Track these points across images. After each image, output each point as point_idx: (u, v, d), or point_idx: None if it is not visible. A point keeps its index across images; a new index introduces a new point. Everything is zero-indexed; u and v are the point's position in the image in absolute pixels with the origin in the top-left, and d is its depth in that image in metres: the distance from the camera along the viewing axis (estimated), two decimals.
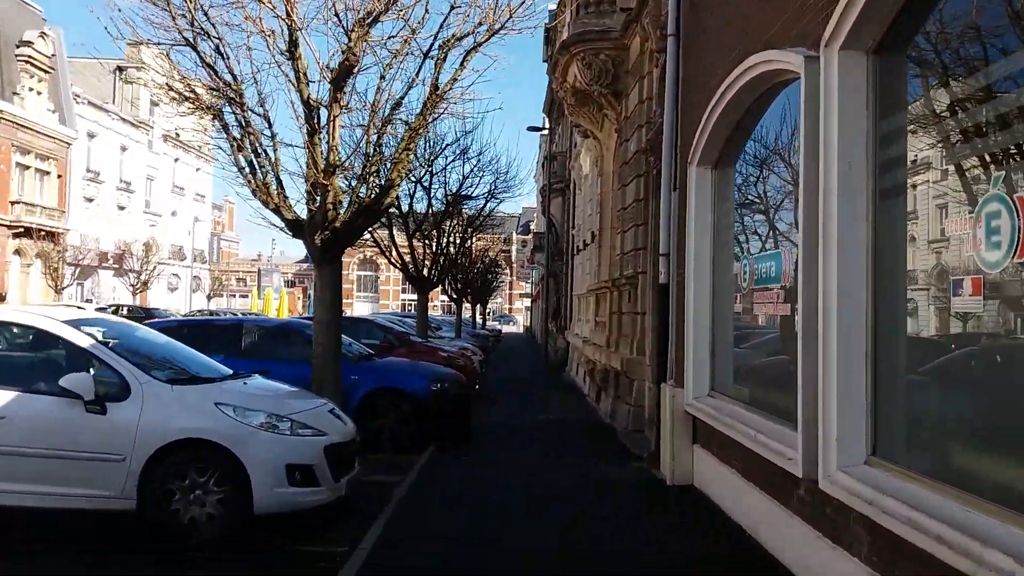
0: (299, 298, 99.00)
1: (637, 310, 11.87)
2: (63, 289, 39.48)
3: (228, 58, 8.32)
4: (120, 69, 53.22)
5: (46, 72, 41.90)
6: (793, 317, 5.81)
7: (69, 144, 44.09)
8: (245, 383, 7.02)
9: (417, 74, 8.45)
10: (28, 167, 41.06)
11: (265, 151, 8.97)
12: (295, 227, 8.83)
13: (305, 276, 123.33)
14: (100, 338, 6.73)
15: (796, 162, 6.07)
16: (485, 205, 18.84)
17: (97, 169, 48.32)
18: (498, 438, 11.29)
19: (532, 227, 51.54)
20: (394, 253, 17.94)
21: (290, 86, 8.37)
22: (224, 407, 6.22)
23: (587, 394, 16.45)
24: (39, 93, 41.72)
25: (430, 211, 17.78)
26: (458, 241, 19.40)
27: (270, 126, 8.81)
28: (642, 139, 11.51)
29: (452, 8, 8.25)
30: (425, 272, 18.41)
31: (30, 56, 40.52)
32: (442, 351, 15.92)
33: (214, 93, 8.44)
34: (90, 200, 47.79)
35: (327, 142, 8.30)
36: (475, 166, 17.93)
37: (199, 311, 51.72)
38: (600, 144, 16.08)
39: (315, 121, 8.23)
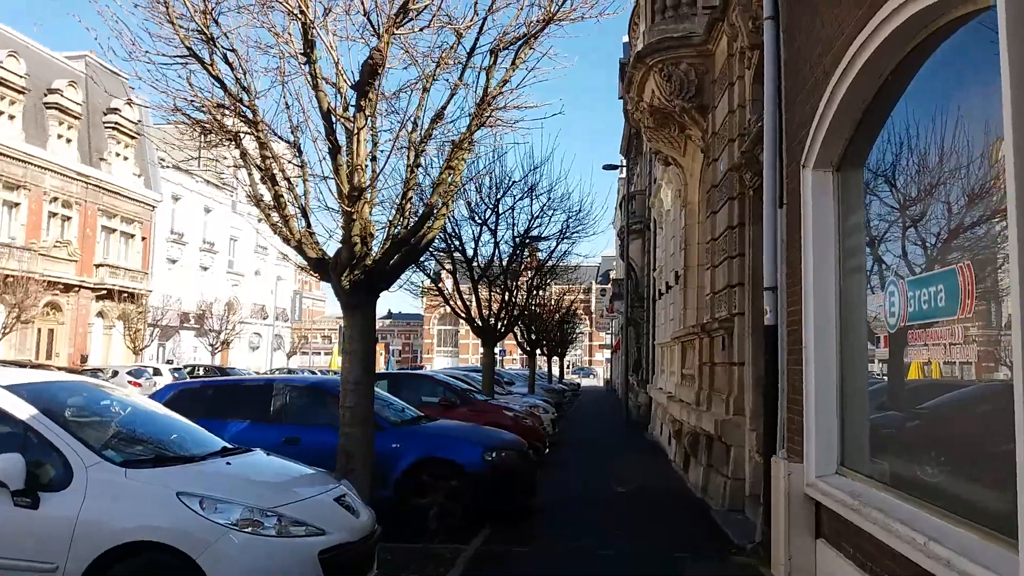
0: (381, 354, 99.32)
1: (733, 360, 9.92)
2: (142, 350, 39.68)
3: (237, 67, 7.06)
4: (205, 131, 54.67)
5: (132, 138, 43.04)
6: (982, 364, 3.91)
7: (154, 207, 45.02)
8: (230, 463, 5.47)
9: (461, 77, 6.97)
10: (114, 230, 41.94)
11: (288, 180, 7.65)
12: (319, 266, 7.40)
13: (388, 332, 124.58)
14: (55, 407, 5.33)
15: (964, 139, 4.25)
16: (557, 246, 17.27)
17: (181, 231, 49.22)
18: (567, 516, 9.42)
19: (612, 275, 49.64)
20: (458, 301, 16.45)
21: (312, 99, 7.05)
22: (188, 498, 4.68)
23: (672, 459, 14.38)
24: (125, 159, 42.85)
25: (496, 254, 16.31)
26: (528, 287, 17.79)
27: (299, 152, 7.52)
28: (734, 155, 9.73)
29: None
30: (492, 321, 16.82)
31: (117, 123, 41.70)
32: (508, 410, 14.22)
33: (223, 110, 7.16)
34: (173, 261, 48.57)
35: (350, 161, 6.87)
36: (545, 204, 16.42)
37: (278, 370, 51.62)
38: (683, 171, 14.32)
39: (336, 136, 6.83)
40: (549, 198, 16.28)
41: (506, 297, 16.95)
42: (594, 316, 72.99)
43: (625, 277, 28.44)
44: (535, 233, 16.52)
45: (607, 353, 72.41)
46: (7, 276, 30.69)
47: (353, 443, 7.22)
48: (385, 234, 7.30)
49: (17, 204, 34.94)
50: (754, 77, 9.44)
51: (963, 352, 4.07)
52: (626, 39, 24.93)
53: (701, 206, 13.80)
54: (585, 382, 74.11)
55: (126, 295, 40.81)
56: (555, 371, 43.66)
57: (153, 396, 9.51)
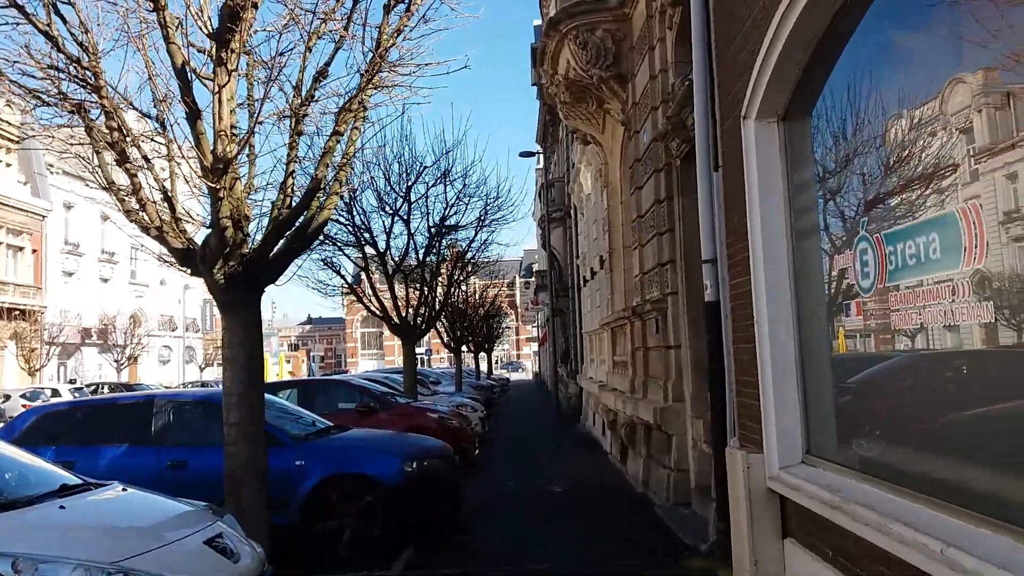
0: (303, 360, 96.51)
1: (669, 343, 9.20)
2: (38, 370, 36.88)
3: (73, 22, 5.87)
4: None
5: (14, 143, 39.92)
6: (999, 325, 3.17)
7: (44, 216, 42.00)
8: (64, 506, 4.33)
9: (347, 27, 5.92)
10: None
11: (147, 159, 6.51)
12: (187, 259, 6.29)
13: (308, 338, 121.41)
14: None
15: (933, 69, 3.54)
16: (476, 235, 16.30)
17: (76, 241, 46.16)
18: (501, 525, 8.52)
19: (535, 267, 49.03)
20: (373, 300, 15.33)
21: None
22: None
23: (609, 451, 13.67)
24: (8, 165, 39.77)
25: (411, 245, 15.23)
26: (448, 281, 16.79)
27: (163, 127, 6.37)
28: (658, 123, 8.99)
29: None
30: (410, 319, 15.76)
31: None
32: (432, 412, 13.24)
33: (58, 74, 5.95)
34: (70, 274, 45.53)
35: (215, 127, 5.77)
36: (460, 191, 15.42)
37: (190, 383, 49.06)
38: (603, 150, 13.59)
39: (193, 98, 5.72)
40: (464, 184, 15.31)
41: (424, 292, 15.90)
42: (519, 310, 72.45)
43: (548, 267, 27.75)
44: (451, 222, 15.54)
45: (535, 346, 72.04)
46: None
47: (240, 466, 6.14)
48: (268, 218, 6.23)
49: None
50: (676, 38, 8.71)
51: (972, 312, 3.32)
52: (537, 22, 24.15)
53: (623, 184, 13.10)
54: (514, 376, 73.50)
55: (17, 312, 37.82)
56: (484, 367, 42.72)
57: (10, 424, 8.14)
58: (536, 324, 58.53)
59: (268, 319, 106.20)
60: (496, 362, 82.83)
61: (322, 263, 15.09)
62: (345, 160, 6.67)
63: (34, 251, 41.35)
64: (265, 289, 6.53)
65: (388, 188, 14.58)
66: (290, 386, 13.91)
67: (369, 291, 15.25)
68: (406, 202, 14.88)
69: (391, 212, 14.96)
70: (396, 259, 15.24)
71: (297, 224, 6.30)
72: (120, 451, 7.73)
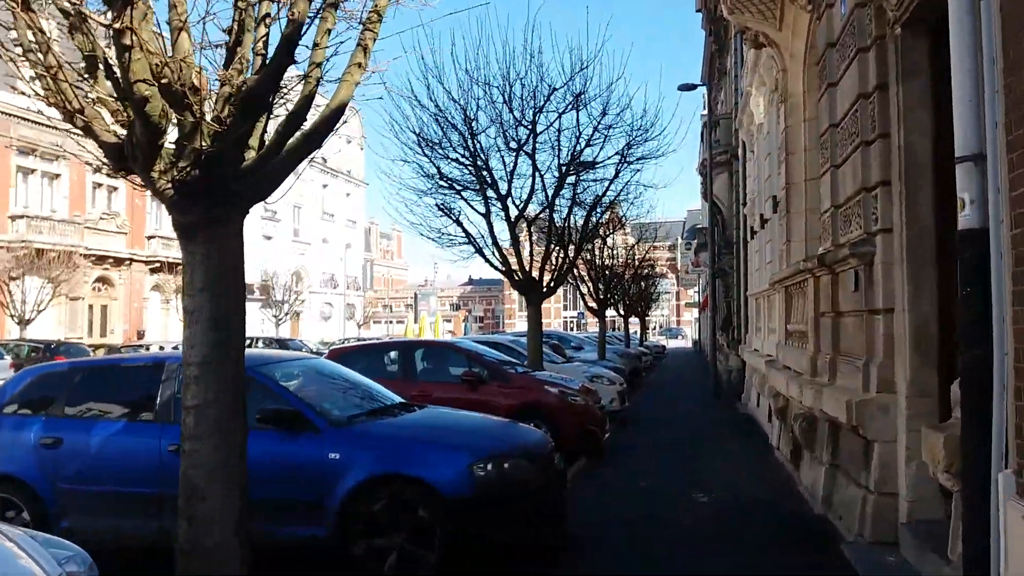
0: (464, 320, 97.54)
1: (874, 306, 6.26)
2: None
3: None
4: None
5: None
6: None
7: None
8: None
9: None
10: None
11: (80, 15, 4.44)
12: (116, 156, 4.20)
13: (469, 298, 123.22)
14: None
15: None
16: (616, 175, 13.54)
17: None
18: (613, 555, 6.03)
19: (698, 227, 45.26)
20: (492, 251, 13.08)
21: None
22: None
23: (775, 445, 10.75)
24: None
25: (535, 187, 12.75)
26: (582, 231, 14.19)
27: None
28: None
29: None
30: (535, 274, 13.38)
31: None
32: (553, 385, 10.87)
33: None
34: None
35: None
36: (598, 120, 12.68)
37: (347, 339, 49.63)
38: (779, 52, 10.48)
39: None
40: (603, 110, 12.53)
41: (551, 244, 13.41)
42: (679, 273, 68.47)
43: (710, 221, 24.43)
44: (586, 157, 12.88)
45: (695, 312, 68.06)
46: (44, 251, 29.04)
47: (199, 469, 4.04)
48: (231, 89, 3.98)
49: (57, 175, 33.41)
50: None
51: None
52: None
53: (808, 95, 9.99)
54: (673, 343, 70.04)
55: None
56: (635, 333, 39.95)
57: (3, 387, 6.58)
58: (697, 289, 54.67)
59: (430, 279, 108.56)
60: (654, 328, 79.41)
61: (436, 208, 12.97)
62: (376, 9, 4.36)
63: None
64: (246, 208, 4.35)
65: (510, 115, 12.18)
66: (391, 348, 11.99)
67: (489, 240, 12.99)
68: (531, 134, 12.42)
69: (515, 148, 12.56)
70: (518, 204, 12.84)
71: (261, 95, 4.04)
72: (116, 428, 5.94)
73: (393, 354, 11.46)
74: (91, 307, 35.06)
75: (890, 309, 6.08)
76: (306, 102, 4.26)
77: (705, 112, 30.35)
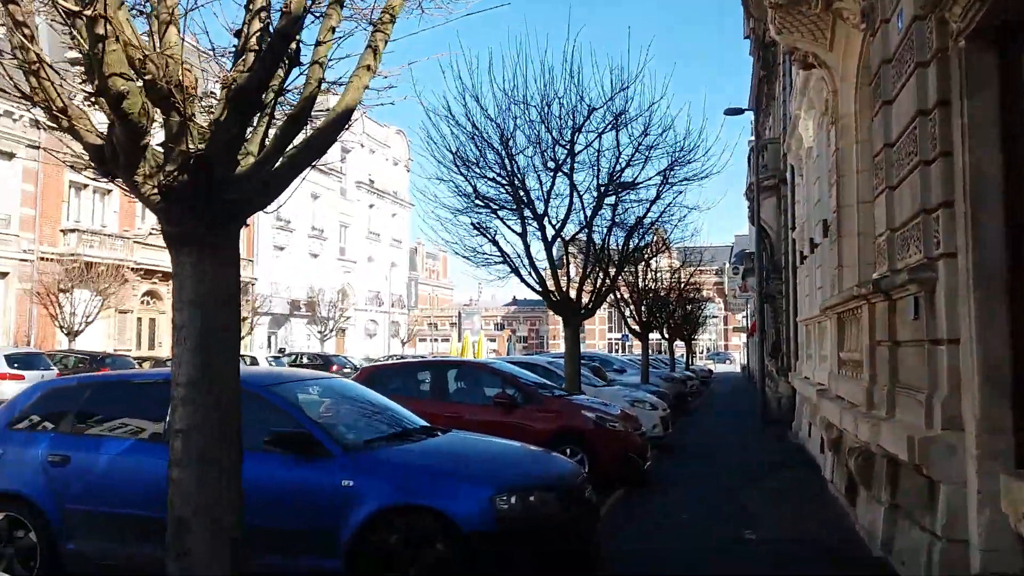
0: (508, 340, 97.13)
1: (938, 335, 5.75)
2: (242, 338, 38.27)
3: None
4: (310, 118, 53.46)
5: None
6: None
7: None
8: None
9: None
10: None
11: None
12: (99, 158, 3.96)
13: (513, 319, 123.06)
14: None
15: None
16: (658, 196, 13.09)
17: (287, 217, 48.02)
18: None
19: (746, 251, 44.33)
20: (529, 271, 12.73)
21: None
22: None
23: (829, 478, 10.15)
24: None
25: (573, 204, 12.35)
26: (622, 253, 13.72)
27: None
28: None
29: None
30: (572, 294, 13.00)
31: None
32: (590, 410, 10.47)
33: None
34: (280, 248, 47.49)
35: None
36: (639, 139, 12.29)
37: (391, 356, 49.63)
38: (830, 74, 10.00)
39: None
40: (645, 130, 12.13)
41: (589, 264, 13.00)
42: (727, 297, 67.28)
43: (757, 246, 23.79)
44: (626, 178, 12.49)
45: (743, 336, 66.71)
46: (93, 264, 29.59)
47: (184, 499, 3.74)
48: (222, 89, 3.73)
49: (109, 191, 34.10)
50: None
51: None
52: None
53: (860, 115, 9.51)
54: (720, 368, 68.66)
55: None
56: (681, 358, 39.11)
57: (12, 401, 6.42)
58: (744, 314, 53.54)
59: (474, 298, 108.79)
60: (702, 352, 78.02)
61: (472, 227, 12.70)
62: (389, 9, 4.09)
63: (247, 226, 42.93)
64: (242, 218, 4.09)
65: (547, 135, 11.87)
66: (424, 368, 11.72)
67: (526, 260, 12.66)
68: (570, 154, 12.08)
69: (552, 168, 12.24)
70: (555, 224, 12.48)
71: (258, 91, 3.77)
72: (124, 447, 5.72)
73: (426, 374, 11.17)
74: (140, 320, 35.63)
75: (955, 340, 5.57)
76: (307, 104, 4.00)
77: (752, 139, 29.78)
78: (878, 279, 6.99)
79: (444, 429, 6.50)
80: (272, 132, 4.11)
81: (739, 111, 20.36)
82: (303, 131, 4.97)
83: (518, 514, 5.11)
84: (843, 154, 9.78)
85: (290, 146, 4.09)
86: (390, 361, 23.18)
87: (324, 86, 4.14)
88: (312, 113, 4.24)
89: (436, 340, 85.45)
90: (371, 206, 60.18)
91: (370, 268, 59.43)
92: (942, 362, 5.71)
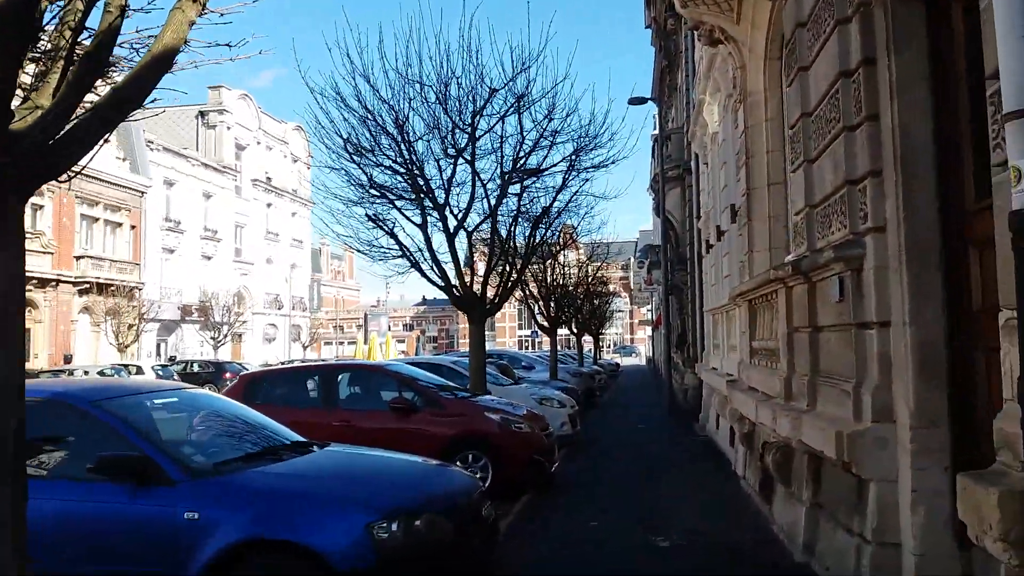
0: (417, 340, 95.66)
1: (866, 318, 5.26)
2: (127, 347, 35.84)
3: None
4: (201, 114, 51.01)
5: None
6: None
7: (143, 193, 41.21)
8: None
9: None
10: (96, 219, 38.19)
11: None
12: None
13: (423, 318, 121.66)
14: None
15: None
16: (564, 184, 12.45)
17: (177, 218, 45.45)
18: None
19: (650, 244, 44.61)
20: (431, 266, 11.89)
21: None
22: None
23: (741, 473, 9.73)
24: (106, 141, 38.11)
25: (476, 192, 11.56)
26: (527, 246, 13.05)
27: None
28: None
29: None
30: (476, 289, 12.22)
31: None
32: (494, 411, 9.72)
33: None
34: (170, 251, 44.89)
35: None
36: (543, 125, 11.58)
37: (291, 361, 47.63)
38: (737, 48, 9.57)
39: None
40: (549, 114, 11.44)
41: (494, 258, 12.24)
42: (632, 291, 68.09)
43: (663, 237, 23.62)
44: (530, 165, 11.79)
45: (649, 330, 67.62)
46: None
47: None
48: None
49: None
50: None
51: None
52: None
53: (770, 91, 9.14)
54: (627, 361, 69.41)
55: (114, 288, 36.88)
56: (589, 352, 38.96)
57: None
58: (650, 308, 54.14)
59: (381, 298, 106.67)
60: (608, 346, 78.69)
61: (366, 218, 11.74)
62: None
63: (132, 227, 40.62)
64: (24, 187, 3.14)
65: (446, 118, 11.03)
66: (312, 373, 10.71)
67: (427, 254, 11.81)
68: (471, 139, 11.29)
69: (453, 154, 11.41)
70: (457, 215, 11.67)
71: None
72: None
73: (314, 380, 10.16)
74: None
75: (885, 323, 5.07)
76: (106, 38, 3.11)
77: (655, 131, 29.75)
78: (797, 260, 6.49)
79: (321, 444, 5.60)
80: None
81: (642, 100, 19.96)
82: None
83: (401, 543, 4.28)
84: (753, 133, 9.36)
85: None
86: (271, 367, 21.75)
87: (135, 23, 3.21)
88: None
89: (343, 343, 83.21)
90: (269, 205, 57.85)
91: (269, 270, 57.12)
92: (871, 347, 5.20)
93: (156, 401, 5.26)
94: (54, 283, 34.52)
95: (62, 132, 3.14)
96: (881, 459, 5.02)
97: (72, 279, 35.50)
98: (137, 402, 5.01)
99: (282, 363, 44.99)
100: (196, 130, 50.82)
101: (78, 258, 36.15)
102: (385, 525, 4.27)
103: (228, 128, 51.81)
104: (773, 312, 7.83)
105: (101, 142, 3.36)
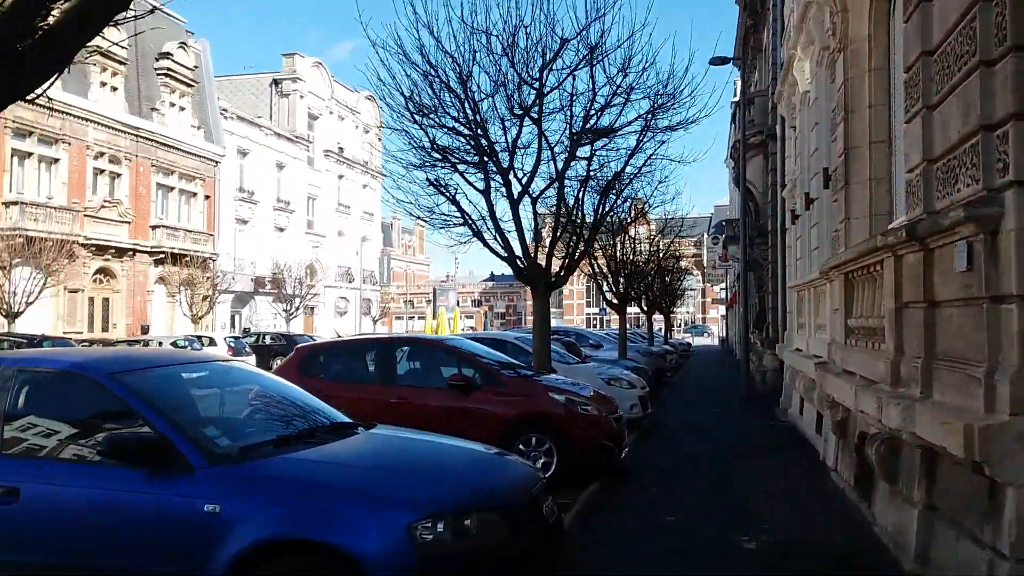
0: (485, 315, 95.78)
1: (1001, 290, 4.39)
2: (201, 318, 36.47)
3: None
4: (275, 82, 51.43)
5: (189, 86, 39.75)
6: None
7: (217, 162, 41.79)
8: None
9: None
10: (171, 188, 38.88)
11: None
12: None
13: (491, 294, 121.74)
14: None
15: None
16: (638, 147, 11.55)
17: (251, 188, 46.02)
18: None
19: (726, 220, 43.04)
20: (494, 235, 11.25)
21: None
22: None
23: (832, 465, 8.84)
24: (181, 109, 39.59)
25: (542, 155, 10.83)
26: (597, 214, 12.23)
27: None
28: None
29: None
30: (542, 261, 11.53)
31: (170, 69, 38.35)
32: (559, 391, 9.05)
33: None
34: (244, 222, 45.52)
35: None
36: (617, 77, 10.68)
37: (362, 334, 47.96)
38: None
39: None
40: (624, 65, 10.56)
41: (559, 222, 11.49)
42: (705, 269, 66.24)
43: (742, 209, 22.41)
44: (602, 123, 10.96)
45: (722, 309, 65.83)
46: (36, 239, 27.58)
47: None
48: None
49: (56, 160, 32.00)
50: None
51: None
52: None
53: (875, 36, 8.11)
54: (699, 341, 67.84)
55: (188, 259, 37.55)
56: (660, 331, 37.90)
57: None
58: (724, 285, 52.47)
59: (450, 274, 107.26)
60: (679, 325, 76.93)
61: (427, 182, 11.15)
62: None
63: (207, 197, 41.26)
64: None
65: (512, 72, 10.30)
66: (370, 346, 10.24)
67: (490, 223, 11.16)
68: (538, 96, 10.55)
69: (519, 113, 10.69)
70: (521, 180, 10.96)
71: None
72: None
73: (371, 354, 9.68)
74: (92, 300, 33.72)
75: None
76: None
77: (735, 99, 28.33)
78: (911, 223, 5.58)
79: (368, 425, 5.03)
80: None
81: (725, 60, 18.70)
82: None
83: (448, 547, 3.69)
84: (853, 85, 8.37)
85: None
86: (329, 339, 21.57)
87: None
88: None
89: (412, 318, 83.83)
90: (340, 177, 58.14)
91: (340, 243, 57.55)
92: (1009, 325, 4.33)
93: (184, 375, 4.78)
94: (131, 253, 35.30)
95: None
96: (1022, 459, 4.17)
97: (148, 249, 36.26)
98: (161, 375, 4.53)
99: (340, 337, 45.35)
100: (270, 98, 51.29)
101: (154, 228, 36.89)
102: (430, 525, 3.68)
103: (301, 97, 52.09)
104: (876, 286, 6.92)
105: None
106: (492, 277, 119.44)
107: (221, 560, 3.64)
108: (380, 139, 59.94)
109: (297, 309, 45.12)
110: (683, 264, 36.59)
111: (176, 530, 3.74)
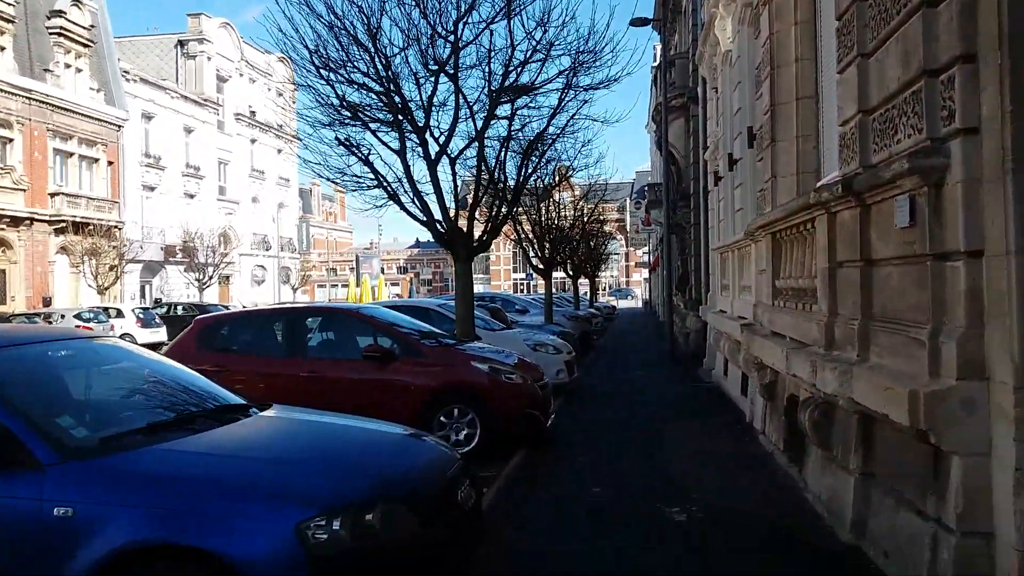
0: (411, 282, 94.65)
1: (949, 247, 4.10)
2: (107, 289, 34.57)
3: None
4: (181, 43, 48.84)
5: (85, 46, 37.22)
6: None
7: (119, 127, 39.42)
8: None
9: None
10: (71, 154, 36.52)
11: None
12: None
13: (417, 261, 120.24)
14: None
15: None
16: (561, 104, 11.09)
17: (157, 154, 43.71)
18: None
19: (648, 182, 43.17)
20: (412, 198, 10.65)
21: None
22: None
23: (759, 427, 8.71)
24: (78, 71, 37.08)
25: (460, 113, 10.26)
26: (519, 176, 11.76)
27: None
28: None
29: None
30: (462, 224, 11.01)
31: (63, 28, 35.77)
32: (482, 360, 8.63)
33: None
34: (151, 188, 43.27)
35: None
36: (536, 34, 10.19)
37: (281, 303, 46.49)
38: None
39: None
40: (543, 18, 10.04)
41: (480, 185, 10.97)
42: (628, 233, 66.81)
43: (664, 172, 22.31)
44: (522, 82, 10.43)
45: (645, 272, 66.62)
46: None
47: None
48: None
49: None
50: None
51: None
52: None
53: None
54: (623, 304, 68.59)
55: (92, 227, 35.39)
56: (585, 295, 37.93)
57: None
58: (647, 248, 52.96)
59: (374, 241, 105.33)
60: (604, 288, 77.62)
61: (337, 142, 10.44)
62: None
63: (110, 163, 38.95)
64: None
65: (425, 24, 9.66)
66: (277, 317, 9.57)
67: (407, 184, 10.55)
68: (454, 50, 9.93)
69: (434, 69, 10.06)
70: (439, 139, 10.37)
71: None
72: None
73: (279, 325, 9.02)
74: None
75: (977, 252, 3.93)
76: None
77: (655, 63, 28.14)
78: (846, 178, 5.29)
79: (262, 407, 4.46)
80: None
81: (646, 21, 18.42)
82: None
83: (346, 546, 3.19)
84: (779, 39, 8.06)
85: None
86: (226, 311, 20.55)
87: None
88: None
89: (336, 285, 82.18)
90: (253, 141, 55.92)
91: (255, 209, 55.54)
92: (956, 283, 4.06)
93: (42, 355, 4.10)
94: (28, 221, 33.10)
95: None
96: (969, 426, 3.93)
97: (47, 218, 34.07)
98: (10, 356, 3.86)
99: (277, 304, 43.84)
100: (175, 60, 48.70)
101: (53, 195, 34.64)
102: (323, 523, 3.18)
103: (209, 59, 49.66)
104: (807, 245, 6.68)
105: None
106: (417, 243, 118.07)
107: (76, 571, 3.07)
108: (295, 102, 57.92)
109: (211, 278, 43.37)
110: (607, 228, 36.57)
111: (19, 538, 3.14)
